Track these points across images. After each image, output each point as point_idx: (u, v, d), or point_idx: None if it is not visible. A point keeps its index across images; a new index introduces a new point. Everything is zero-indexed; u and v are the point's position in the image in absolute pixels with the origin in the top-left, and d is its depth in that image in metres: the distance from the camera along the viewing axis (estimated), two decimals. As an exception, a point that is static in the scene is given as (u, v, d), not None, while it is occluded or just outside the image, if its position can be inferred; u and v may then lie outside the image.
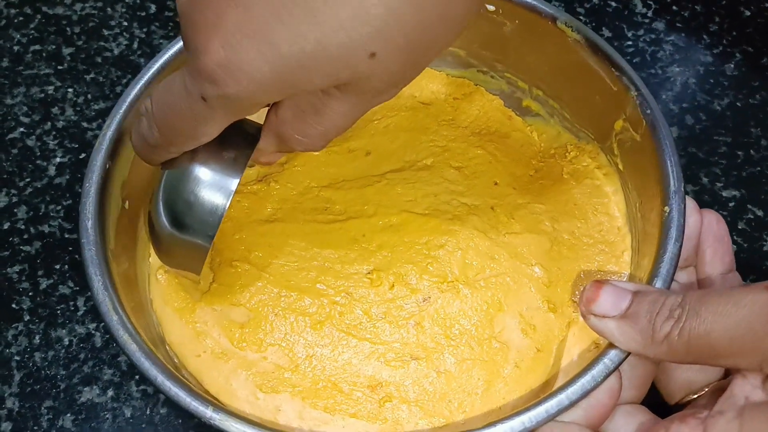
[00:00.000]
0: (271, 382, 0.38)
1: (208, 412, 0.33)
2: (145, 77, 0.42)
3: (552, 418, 0.33)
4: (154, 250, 0.38)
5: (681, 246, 0.36)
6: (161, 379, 0.33)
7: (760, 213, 0.48)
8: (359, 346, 0.39)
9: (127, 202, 0.41)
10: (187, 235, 0.35)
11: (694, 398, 0.36)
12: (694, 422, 0.31)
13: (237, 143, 0.34)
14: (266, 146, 0.33)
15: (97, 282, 0.36)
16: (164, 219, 0.35)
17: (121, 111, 0.41)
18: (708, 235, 0.38)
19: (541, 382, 0.39)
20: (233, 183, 0.34)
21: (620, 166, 0.44)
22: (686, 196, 0.38)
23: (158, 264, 0.42)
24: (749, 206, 0.48)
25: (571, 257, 0.42)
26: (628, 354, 0.33)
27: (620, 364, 0.33)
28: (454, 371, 0.39)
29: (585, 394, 0.33)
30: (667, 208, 0.37)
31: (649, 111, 0.40)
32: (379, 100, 0.30)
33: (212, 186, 0.34)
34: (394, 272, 0.41)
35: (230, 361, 0.39)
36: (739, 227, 0.48)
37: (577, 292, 0.40)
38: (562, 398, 0.33)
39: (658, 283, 0.35)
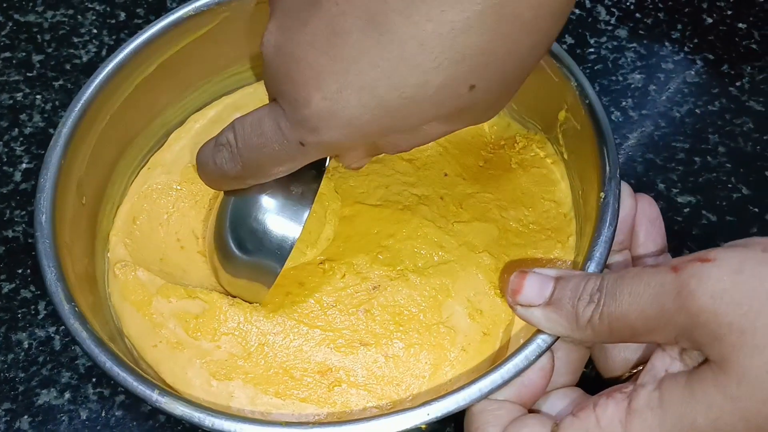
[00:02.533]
0: (225, 369, 0.39)
1: (154, 396, 0.34)
2: (101, 75, 0.43)
3: (485, 396, 0.34)
4: (221, 273, 0.40)
5: (615, 230, 0.37)
6: (110, 365, 0.35)
7: (714, 218, 0.49)
8: (310, 333, 0.40)
9: (84, 198, 0.43)
10: (256, 261, 0.38)
11: (631, 375, 0.37)
12: (620, 396, 0.32)
13: (304, 178, 0.36)
14: (356, 155, 0.33)
15: (50, 273, 0.37)
16: (233, 247, 0.38)
17: (76, 109, 0.42)
18: (642, 217, 0.40)
19: (487, 364, 0.40)
20: (302, 217, 0.37)
21: (565, 156, 0.45)
22: (622, 182, 0.39)
23: (116, 259, 0.44)
24: (704, 212, 0.49)
25: (518, 244, 0.43)
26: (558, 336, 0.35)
27: (552, 344, 0.35)
28: (402, 356, 0.40)
29: (518, 373, 0.34)
30: (602, 194, 0.38)
31: (588, 101, 0.41)
32: (473, 124, 0.31)
33: (282, 219, 0.37)
34: (345, 262, 0.42)
35: (185, 351, 0.40)
36: (694, 233, 0.48)
37: None
38: (496, 377, 0.34)
39: (592, 266, 0.36)
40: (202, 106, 0.50)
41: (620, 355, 0.37)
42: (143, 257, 0.44)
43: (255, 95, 0.50)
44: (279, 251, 0.37)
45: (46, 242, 0.38)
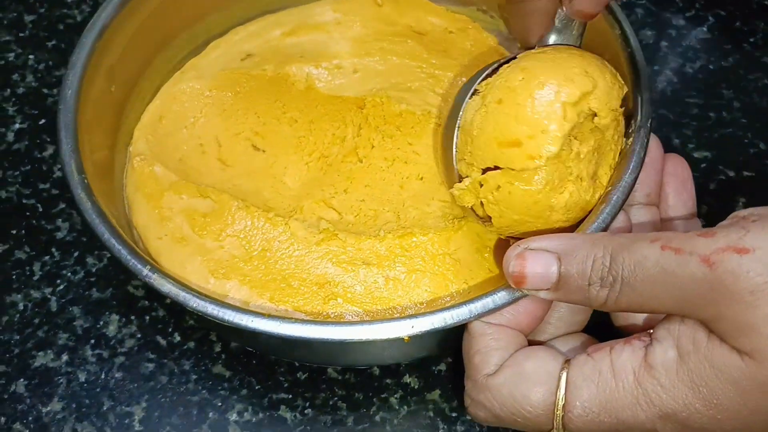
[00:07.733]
0: (224, 269, 0.39)
1: (144, 271, 0.34)
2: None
3: (475, 318, 0.33)
4: None
5: (636, 178, 0.36)
6: (107, 236, 0.35)
7: (731, 173, 0.47)
8: (315, 246, 0.40)
9: (113, 87, 0.43)
10: None
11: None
12: (638, 344, 0.31)
13: None
14: None
15: (67, 145, 0.38)
16: None
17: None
18: (671, 178, 0.38)
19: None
20: None
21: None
22: (652, 134, 0.38)
23: (137, 153, 0.44)
24: (720, 167, 0.48)
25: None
26: None
27: None
28: (403, 279, 0.39)
29: (513, 301, 0.33)
30: (630, 141, 0.37)
31: (629, 49, 0.40)
32: None
33: None
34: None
35: (188, 246, 0.40)
36: (711, 188, 0.47)
37: None
38: (488, 302, 0.33)
39: (607, 210, 0.35)
40: (244, 21, 0.50)
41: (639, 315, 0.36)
42: (163, 155, 0.44)
43: (298, 15, 0.50)
44: None
45: (68, 116, 0.39)
